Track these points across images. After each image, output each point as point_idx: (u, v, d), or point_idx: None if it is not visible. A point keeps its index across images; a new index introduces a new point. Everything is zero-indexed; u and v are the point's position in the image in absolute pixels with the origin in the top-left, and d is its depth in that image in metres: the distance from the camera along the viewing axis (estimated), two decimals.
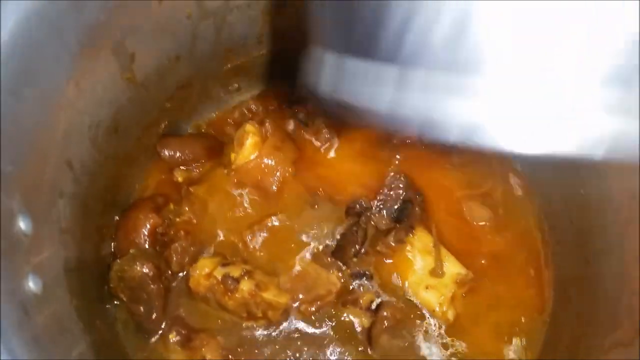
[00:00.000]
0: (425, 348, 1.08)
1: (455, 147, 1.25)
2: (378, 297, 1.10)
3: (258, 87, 1.32)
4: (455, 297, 1.10)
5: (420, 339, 1.08)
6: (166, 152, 1.20)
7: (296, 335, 1.09)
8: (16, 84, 0.75)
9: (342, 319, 1.10)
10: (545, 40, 0.51)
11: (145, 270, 1.05)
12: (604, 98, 0.51)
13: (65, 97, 0.87)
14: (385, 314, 1.06)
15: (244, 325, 1.08)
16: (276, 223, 1.16)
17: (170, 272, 1.11)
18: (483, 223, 1.18)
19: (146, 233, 1.12)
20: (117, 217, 1.15)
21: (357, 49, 0.60)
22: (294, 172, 1.20)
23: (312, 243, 1.15)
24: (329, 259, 1.13)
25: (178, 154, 1.21)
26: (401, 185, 1.20)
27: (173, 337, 1.07)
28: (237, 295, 1.04)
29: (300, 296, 1.09)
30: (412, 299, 1.11)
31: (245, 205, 1.18)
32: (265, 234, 1.15)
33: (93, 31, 0.88)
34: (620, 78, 0.50)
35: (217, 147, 1.24)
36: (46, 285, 0.78)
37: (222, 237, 1.15)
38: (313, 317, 1.10)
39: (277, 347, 1.08)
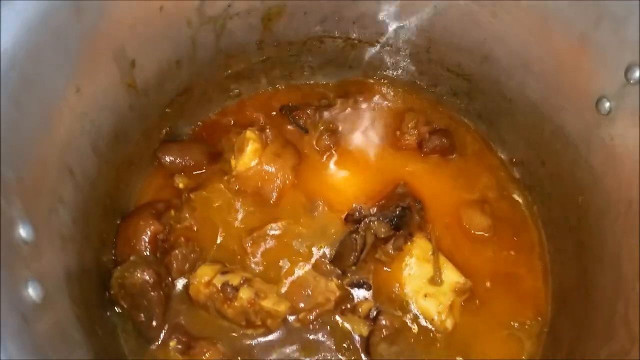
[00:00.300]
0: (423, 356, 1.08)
1: (454, 154, 1.26)
2: (376, 305, 1.10)
3: (258, 92, 1.32)
4: (454, 305, 1.10)
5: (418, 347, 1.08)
6: (167, 158, 1.20)
7: (295, 343, 1.08)
8: (17, 91, 0.75)
9: (341, 327, 1.10)
10: None
11: (146, 277, 1.05)
12: None
13: (66, 103, 0.87)
14: (383, 322, 1.06)
15: (243, 332, 1.08)
16: (276, 230, 1.16)
17: (170, 279, 1.11)
18: (482, 232, 1.18)
19: (147, 240, 1.12)
20: (117, 223, 1.15)
21: None
22: (294, 179, 1.21)
23: (311, 250, 1.15)
24: (328, 266, 1.13)
25: (178, 160, 1.21)
26: (401, 192, 1.20)
27: (173, 345, 1.07)
28: (236, 303, 1.04)
29: (300, 304, 1.09)
30: (410, 307, 1.11)
31: (245, 212, 1.18)
32: (264, 241, 1.15)
33: (94, 38, 0.88)
34: None
35: (217, 153, 1.24)
36: (46, 293, 0.78)
37: (222, 244, 1.16)
38: (312, 325, 1.09)
39: (276, 354, 1.08)
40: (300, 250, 1.15)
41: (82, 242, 0.97)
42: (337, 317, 1.11)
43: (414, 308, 1.11)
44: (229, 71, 1.24)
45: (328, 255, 1.15)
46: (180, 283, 1.12)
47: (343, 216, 1.18)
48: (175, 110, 1.20)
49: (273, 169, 1.19)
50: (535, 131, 1.14)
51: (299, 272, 1.13)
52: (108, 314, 1.08)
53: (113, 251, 1.13)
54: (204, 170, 1.22)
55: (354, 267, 1.13)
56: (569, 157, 1.06)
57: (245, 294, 1.04)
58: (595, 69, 0.92)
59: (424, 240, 1.15)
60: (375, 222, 1.13)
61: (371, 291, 1.12)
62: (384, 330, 1.06)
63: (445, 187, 1.23)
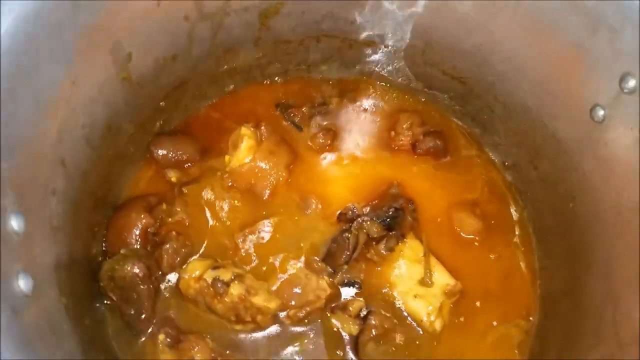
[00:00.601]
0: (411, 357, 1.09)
1: (447, 156, 1.27)
2: (367, 304, 1.11)
3: (254, 89, 1.32)
4: (443, 307, 1.10)
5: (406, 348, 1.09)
6: (159, 152, 1.20)
7: (284, 340, 1.09)
8: (12, 83, 0.75)
9: (330, 325, 1.10)
10: None
11: (136, 270, 1.05)
12: None
13: (62, 95, 0.87)
14: (373, 322, 1.07)
15: (233, 328, 1.08)
16: (268, 227, 1.17)
17: (160, 273, 1.11)
18: (472, 235, 1.19)
19: (138, 233, 1.11)
20: (109, 215, 1.14)
21: None
22: (288, 177, 1.21)
23: (303, 248, 1.15)
24: (319, 264, 1.13)
25: (171, 154, 1.21)
26: (394, 193, 1.21)
27: (162, 338, 1.06)
28: (226, 299, 1.04)
29: (290, 301, 1.09)
30: (400, 308, 1.11)
31: (238, 208, 1.18)
32: (256, 238, 1.16)
33: (90, 31, 0.87)
34: None
35: (211, 148, 1.24)
36: (36, 284, 0.77)
37: (213, 239, 1.15)
38: (302, 323, 1.10)
39: (265, 351, 1.08)
40: (292, 248, 1.15)
41: (72, 234, 0.97)
42: (327, 315, 1.11)
43: (403, 309, 1.11)
44: (225, 67, 1.23)
45: (320, 254, 1.15)
46: (170, 277, 1.12)
47: (336, 215, 1.18)
48: (170, 104, 1.20)
49: (267, 166, 1.19)
50: (528, 136, 1.15)
51: (290, 269, 1.13)
52: (97, 305, 1.08)
53: (104, 243, 1.13)
54: (197, 165, 1.21)
55: (345, 266, 1.13)
56: (561, 163, 1.07)
57: (235, 289, 1.04)
58: (590, 77, 0.93)
59: (416, 241, 1.15)
60: (368, 222, 1.14)
61: (362, 290, 1.12)
62: (373, 330, 1.07)
63: (437, 189, 1.24)
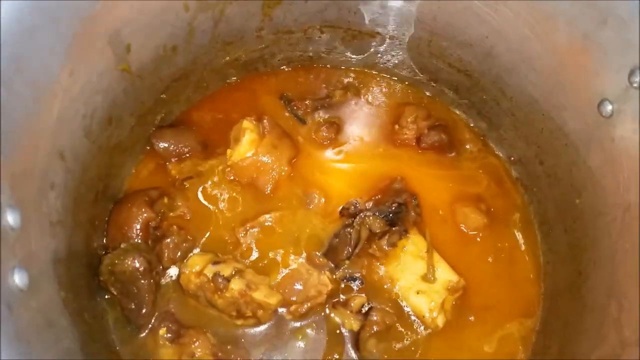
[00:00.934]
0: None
1: (452, 151, 1.25)
2: (368, 300, 1.10)
3: (256, 81, 1.30)
4: (445, 303, 1.09)
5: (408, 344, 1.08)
6: (161, 145, 1.19)
7: (285, 335, 1.08)
8: (7, 73, 0.73)
9: (332, 321, 1.10)
10: None
11: (136, 264, 1.04)
12: None
13: (59, 86, 0.86)
14: (375, 318, 1.06)
15: (233, 323, 1.07)
16: (270, 221, 1.16)
17: (161, 267, 1.10)
18: (476, 230, 1.18)
19: (138, 227, 1.11)
20: (110, 209, 1.14)
21: None
22: (290, 171, 1.19)
23: (304, 243, 1.14)
24: (321, 259, 1.12)
25: (173, 147, 1.19)
26: (397, 188, 1.19)
27: (163, 332, 1.06)
28: (227, 294, 1.03)
29: (291, 296, 1.09)
30: (402, 304, 1.10)
31: (239, 202, 1.17)
32: (258, 232, 1.15)
33: (88, 21, 0.86)
34: None
35: (213, 142, 1.22)
36: (33, 279, 0.77)
37: (214, 234, 1.15)
38: (303, 318, 1.09)
39: (266, 346, 1.08)
40: (294, 243, 1.14)
41: (72, 228, 0.96)
42: (329, 311, 1.10)
43: (405, 305, 1.10)
44: (227, 58, 1.22)
45: (322, 249, 1.14)
46: (171, 272, 1.11)
47: (338, 210, 1.17)
48: (171, 96, 1.19)
49: (269, 160, 1.18)
50: (534, 130, 1.13)
51: (291, 264, 1.13)
52: (98, 299, 1.07)
53: (104, 237, 1.12)
54: (198, 158, 1.20)
55: (347, 262, 1.12)
56: (567, 158, 1.05)
57: (236, 285, 1.03)
58: (598, 70, 0.91)
59: (419, 236, 1.14)
60: (371, 217, 1.12)
61: (364, 286, 1.11)
62: (374, 326, 1.06)
63: (441, 184, 1.22)
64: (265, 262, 1.12)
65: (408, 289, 1.10)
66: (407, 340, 1.08)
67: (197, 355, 1.04)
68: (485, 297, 1.13)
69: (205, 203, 1.17)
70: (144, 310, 1.06)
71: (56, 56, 0.83)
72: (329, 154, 1.24)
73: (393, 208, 1.13)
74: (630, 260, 0.88)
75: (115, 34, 0.94)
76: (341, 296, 1.11)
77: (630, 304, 0.85)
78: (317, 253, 1.13)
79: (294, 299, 1.09)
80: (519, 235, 1.20)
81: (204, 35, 1.12)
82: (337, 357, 1.07)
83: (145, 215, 1.11)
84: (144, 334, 1.07)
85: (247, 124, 1.18)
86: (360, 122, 1.28)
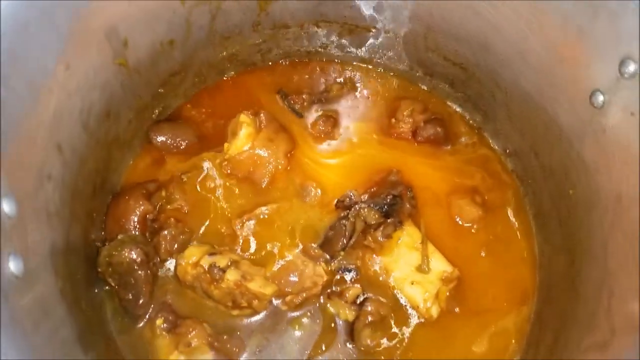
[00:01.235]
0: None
1: (447, 145, 1.26)
2: (363, 291, 1.11)
3: (254, 75, 1.31)
4: (440, 293, 1.10)
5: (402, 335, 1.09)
6: (158, 139, 1.20)
7: (280, 325, 1.09)
8: (3, 67, 0.75)
9: (327, 311, 1.10)
10: None
11: (133, 255, 1.06)
12: None
13: (56, 80, 0.87)
14: (369, 308, 1.06)
15: (229, 313, 1.08)
16: (266, 213, 1.17)
17: (158, 259, 1.12)
18: (471, 222, 1.18)
19: (136, 220, 1.12)
20: (108, 201, 1.15)
21: None
22: (287, 165, 1.20)
23: (300, 235, 1.15)
24: (316, 251, 1.13)
25: (170, 141, 1.21)
26: (393, 180, 1.20)
27: (160, 323, 1.07)
28: (222, 285, 1.04)
29: (287, 287, 1.10)
30: (397, 294, 1.11)
31: (236, 195, 1.18)
32: (254, 224, 1.16)
33: (84, 15, 0.87)
34: None
35: (210, 136, 1.24)
36: (29, 267, 0.78)
37: (211, 226, 1.16)
38: (298, 309, 1.10)
39: (262, 336, 1.09)
40: (290, 234, 1.15)
41: (70, 220, 0.98)
42: (324, 302, 1.11)
43: (400, 295, 1.11)
44: (224, 52, 1.23)
45: (317, 240, 1.15)
46: (168, 263, 1.12)
47: (334, 201, 1.17)
48: (169, 90, 1.20)
49: (266, 154, 1.19)
50: (529, 123, 1.14)
51: (287, 255, 1.13)
52: (96, 291, 1.08)
53: (102, 230, 1.13)
54: (196, 152, 1.21)
55: (342, 253, 1.13)
56: (561, 150, 1.06)
57: (232, 275, 1.04)
58: (590, 61, 0.92)
59: (414, 228, 1.15)
60: (366, 209, 1.13)
61: (359, 277, 1.12)
62: (369, 316, 1.07)
63: (437, 177, 1.23)
64: (262, 253, 1.13)
65: (403, 280, 1.11)
66: (401, 330, 1.09)
67: (193, 345, 1.05)
68: (480, 288, 1.14)
69: (203, 196, 1.18)
70: (141, 301, 1.08)
71: (52, 51, 0.84)
72: (326, 147, 1.25)
73: (388, 200, 1.14)
74: (621, 250, 0.88)
75: (111, 28, 0.95)
76: (334, 287, 1.11)
77: (622, 292, 0.85)
78: (313, 245, 1.14)
79: (290, 289, 1.10)
80: (514, 227, 1.20)
81: (201, 30, 1.13)
82: (332, 346, 1.08)
83: (142, 207, 1.12)
84: (141, 325, 1.08)
85: (244, 118, 1.19)
86: (356, 116, 1.28)
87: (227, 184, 1.19)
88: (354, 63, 1.32)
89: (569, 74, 0.97)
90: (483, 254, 1.17)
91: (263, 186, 1.19)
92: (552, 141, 1.08)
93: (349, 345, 1.08)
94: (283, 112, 1.27)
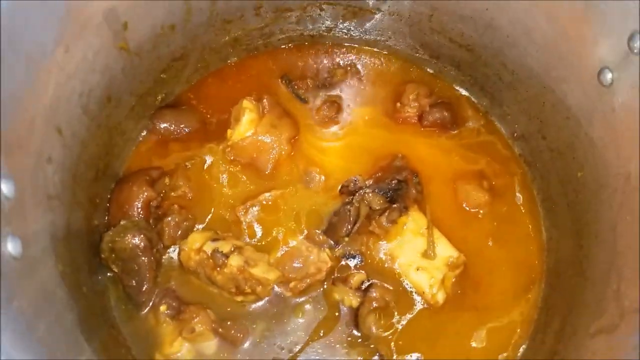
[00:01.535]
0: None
1: (454, 130, 1.24)
2: (368, 277, 1.09)
3: (257, 60, 1.30)
4: (446, 279, 1.08)
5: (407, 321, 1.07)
6: (161, 125, 1.20)
7: (284, 311, 1.08)
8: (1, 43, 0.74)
9: (331, 297, 1.09)
10: None
11: (136, 241, 1.05)
12: None
13: (55, 63, 0.86)
14: (374, 294, 1.05)
15: (233, 299, 1.08)
16: (270, 200, 1.16)
17: (162, 246, 1.11)
18: (478, 207, 1.16)
19: (140, 206, 1.11)
20: (111, 187, 1.15)
21: None
22: (290, 150, 1.19)
23: (304, 220, 1.14)
24: (320, 237, 1.12)
25: (173, 127, 1.20)
26: (398, 165, 1.18)
27: (163, 309, 1.07)
28: (225, 270, 1.03)
29: (291, 273, 1.09)
30: (402, 280, 1.10)
31: (240, 181, 1.17)
32: (258, 211, 1.15)
33: None
34: None
35: (213, 122, 1.23)
36: (28, 249, 0.78)
37: (215, 213, 1.15)
38: (302, 295, 1.09)
39: (265, 322, 1.08)
40: (294, 220, 1.14)
41: (71, 204, 0.97)
42: (328, 288, 1.10)
43: (405, 281, 1.10)
44: (227, 37, 1.22)
45: (321, 226, 1.14)
46: (172, 250, 1.12)
47: (338, 187, 1.16)
48: (171, 76, 1.19)
49: (269, 140, 1.18)
50: (536, 104, 1.11)
51: (291, 241, 1.12)
52: (99, 277, 1.08)
53: (106, 216, 1.13)
54: (199, 138, 1.20)
55: (346, 239, 1.12)
56: (569, 131, 1.03)
57: (235, 261, 1.03)
58: (597, 38, 0.89)
59: (419, 213, 1.13)
60: (370, 194, 1.12)
61: (363, 263, 1.11)
62: (374, 302, 1.06)
63: (443, 161, 1.21)
64: (266, 239, 1.13)
65: (408, 266, 1.09)
66: (406, 316, 1.08)
67: (197, 331, 1.05)
68: (486, 273, 1.12)
69: (206, 182, 1.17)
70: (144, 287, 1.07)
71: (50, 32, 0.84)
72: (330, 132, 1.24)
73: (393, 185, 1.12)
74: (630, 231, 0.86)
75: (110, 11, 0.94)
76: (338, 273, 1.10)
77: (631, 273, 0.83)
78: (317, 230, 1.13)
79: (294, 275, 1.09)
80: (522, 211, 1.18)
81: (202, 14, 1.12)
82: (336, 332, 1.07)
83: (146, 194, 1.12)
84: (145, 311, 1.08)
85: (247, 103, 1.18)
86: (361, 101, 1.27)
87: (231, 170, 1.18)
88: (359, 47, 1.30)
89: (576, 52, 0.95)
90: (490, 240, 1.15)
91: (267, 172, 1.18)
92: (560, 122, 1.06)
93: (355, 332, 1.07)
94: (287, 97, 1.26)
